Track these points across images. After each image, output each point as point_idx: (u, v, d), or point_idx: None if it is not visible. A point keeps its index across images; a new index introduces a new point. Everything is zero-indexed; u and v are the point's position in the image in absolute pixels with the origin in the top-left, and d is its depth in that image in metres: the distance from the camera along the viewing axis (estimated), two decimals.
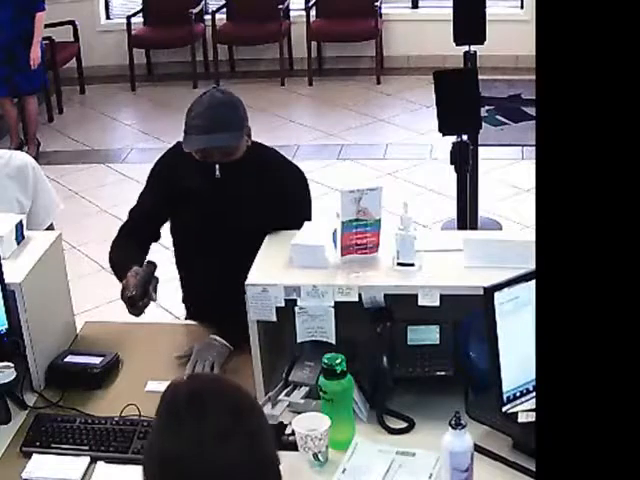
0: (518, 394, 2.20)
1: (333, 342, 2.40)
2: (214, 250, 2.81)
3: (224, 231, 2.77)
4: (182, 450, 1.39)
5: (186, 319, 3.11)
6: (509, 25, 7.49)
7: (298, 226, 2.58)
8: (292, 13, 8.06)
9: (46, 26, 6.82)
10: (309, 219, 2.73)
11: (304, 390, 2.43)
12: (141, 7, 8.18)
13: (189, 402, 1.44)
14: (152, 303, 2.65)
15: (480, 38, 4.80)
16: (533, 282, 2.00)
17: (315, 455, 2.20)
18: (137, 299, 2.58)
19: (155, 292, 2.65)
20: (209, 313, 2.87)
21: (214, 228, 2.79)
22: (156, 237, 2.98)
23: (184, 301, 3.12)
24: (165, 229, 3.00)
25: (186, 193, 2.79)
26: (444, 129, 4.51)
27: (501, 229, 5.25)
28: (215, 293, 2.76)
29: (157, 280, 2.67)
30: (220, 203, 2.76)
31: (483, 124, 4.87)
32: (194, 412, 1.41)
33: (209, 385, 1.52)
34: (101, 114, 7.70)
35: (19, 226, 2.71)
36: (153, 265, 2.67)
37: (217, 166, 2.69)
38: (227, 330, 2.71)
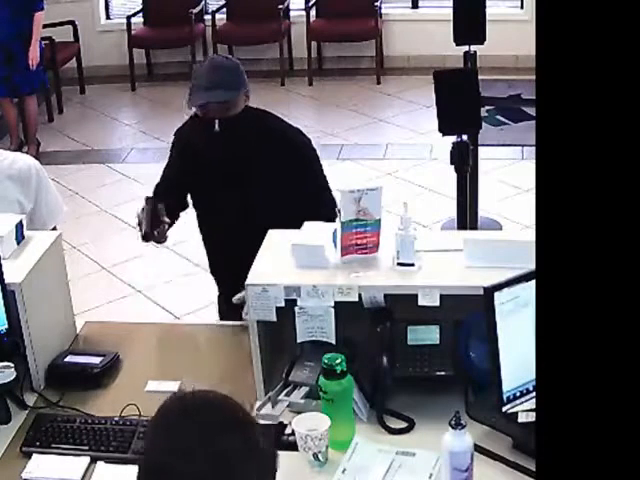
0: (518, 394, 2.20)
1: (333, 342, 2.40)
2: (222, 204, 3.03)
3: (228, 184, 2.97)
4: (167, 459, 1.39)
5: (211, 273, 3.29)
6: (509, 25, 7.49)
7: (314, 184, 2.96)
8: (292, 13, 8.06)
9: (46, 26, 6.82)
10: (322, 175, 3.07)
11: (304, 390, 2.43)
12: (141, 7, 8.18)
13: (180, 413, 1.44)
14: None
15: (480, 38, 4.80)
16: (533, 282, 2.00)
17: (315, 455, 2.20)
18: (147, 236, 2.89)
19: (164, 215, 2.91)
20: (226, 267, 3.09)
21: (218, 181, 3.00)
22: (183, 206, 3.17)
23: (207, 255, 3.28)
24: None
25: (194, 152, 3.02)
26: (444, 129, 4.51)
27: (501, 229, 5.25)
28: (231, 247, 2.99)
29: (163, 207, 2.92)
30: (220, 157, 2.96)
31: (483, 124, 4.87)
32: (183, 422, 1.41)
33: (200, 398, 1.52)
34: (101, 114, 7.70)
35: (19, 226, 2.71)
36: (152, 198, 2.93)
37: (216, 121, 2.86)
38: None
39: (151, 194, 3.04)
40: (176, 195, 3.11)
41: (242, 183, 2.97)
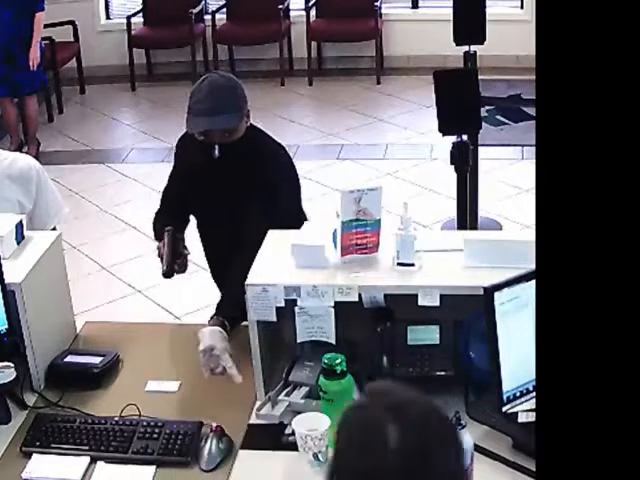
0: (518, 394, 2.20)
1: (333, 342, 2.40)
2: (215, 219, 2.99)
3: (224, 208, 2.92)
4: (377, 464, 1.34)
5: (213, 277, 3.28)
6: (509, 25, 7.49)
7: (283, 217, 2.75)
8: (292, 13, 8.06)
9: (46, 26, 6.82)
10: (295, 209, 2.96)
11: (304, 390, 2.43)
12: (141, 7, 8.17)
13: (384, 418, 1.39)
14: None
15: (480, 38, 4.80)
16: (533, 282, 2.00)
17: (315, 455, 2.20)
18: (169, 272, 2.82)
19: (185, 248, 2.91)
20: (223, 276, 3.05)
21: (215, 204, 2.95)
22: (187, 218, 3.16)
23: (207, 263, 3.27)
24: None
25: (193, 170, 2.99)
26: (444, 129, 4.51)
27: (501, 229, 5.25)
28: (225, 259, 2.90)
29: (182, 237, 2.95)
30: (217, 182, 2.91)
31: (483, 124, 4.87)
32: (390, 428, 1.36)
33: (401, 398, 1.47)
34: (101, 114, 7.69)
35: (19, 226, 2.71)
36: (171, 230, 2.88)
37: (217, 146, 2.81)
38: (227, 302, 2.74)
39: (158, 215, 3.06)
40: (179, 208, 3.07)
41: (234, 203, 2.90)
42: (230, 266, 2.74)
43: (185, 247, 2.92)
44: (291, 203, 2.96)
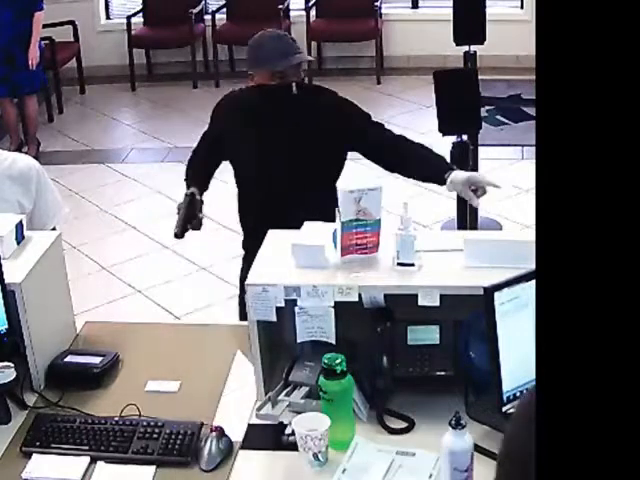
0: (518, 394, 2.20)
1: (333, 342, 2.40)
2: (271, 169, 3.14)
3: (282, 150, 3.11)
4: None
5: (243, 240, 3.37)
6: (509, 25, 7.49)
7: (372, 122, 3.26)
8: (292, 13, 8.06)
9: (46, 26, 6.82)
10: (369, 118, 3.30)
11: (304, 390, 2.43)
12: (141, 7, 8.17)
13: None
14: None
15: (480, 38, 4.80)
16: (533, 282, 2.00)
17: (315, 455, 2.20)
18: (180, 234, 2.96)
19: (201, 210, 3.03)
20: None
21: (273, 146, 3.12)
22: (212, 174, 3.29)
23: (241, 220, 3.36)
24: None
25: (249, 122, 3.14)
26: (444, 129, 4.52)
27: (501, 229, 5.25)
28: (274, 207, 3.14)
29: (200, 200, 3.06)
30: (295, 120, 3.11)
31: (483, 124, 4.87)
32: None
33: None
34: (101, 114, 7.69)
35: (19, 226, 2.71)
36: (191, 194, 3.03)
37: (294, 85, 3.06)
38: None
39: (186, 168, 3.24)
40: (214, 162, 3.25)
41: (298, 147, 3.10)
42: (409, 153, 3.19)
43: (201, 210, 3.03)
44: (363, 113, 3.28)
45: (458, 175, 2.93)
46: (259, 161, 3.15)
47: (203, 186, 3.16)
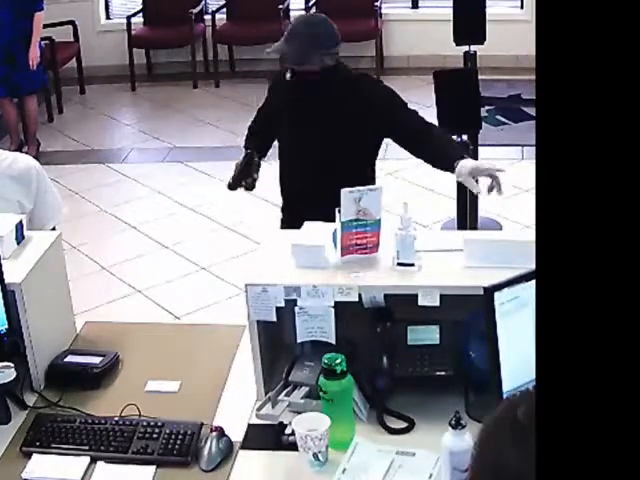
0: (518, 394, 2.20)
1: (333, 342, 2.40)
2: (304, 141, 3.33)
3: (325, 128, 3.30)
4: (521, 465, 1.34)
5: (282, 210, 3.56)
6: (509, 25, 7.49)
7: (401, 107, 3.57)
8: (292, 13, 8.05)
9: (46, 26, 6.82)
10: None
11: (304, 390, 2.43)
12: (141, 7, 8.17)
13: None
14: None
15: (480, 38, 4.80)
16: (533, 282, 2.00)
17: (315, 455, 2.20)
18: (232, 186, 3.18)
19: (257, 172, 3.21)
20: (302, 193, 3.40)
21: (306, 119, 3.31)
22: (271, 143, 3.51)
23: (282, 192, 3.54)
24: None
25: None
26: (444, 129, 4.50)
27: (501, 229, 5.25)
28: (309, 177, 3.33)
29: (258, 162, 3.24)
30: (330, 103, 3.32)
31: (483, 124, 4.87)
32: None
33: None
34: (101, 114, 7.69)
35: (19, 226, 2.71)
36: (250, 153, 3.22)
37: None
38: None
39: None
40: (267, 132, 3.43)
41: (328, 123, 3.28)
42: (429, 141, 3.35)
43: (258, 171, 3.20)
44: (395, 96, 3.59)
45: (463, 168, 3.09)
46: (293, 135, 3.36)
47: (261, 150, 3.33)
